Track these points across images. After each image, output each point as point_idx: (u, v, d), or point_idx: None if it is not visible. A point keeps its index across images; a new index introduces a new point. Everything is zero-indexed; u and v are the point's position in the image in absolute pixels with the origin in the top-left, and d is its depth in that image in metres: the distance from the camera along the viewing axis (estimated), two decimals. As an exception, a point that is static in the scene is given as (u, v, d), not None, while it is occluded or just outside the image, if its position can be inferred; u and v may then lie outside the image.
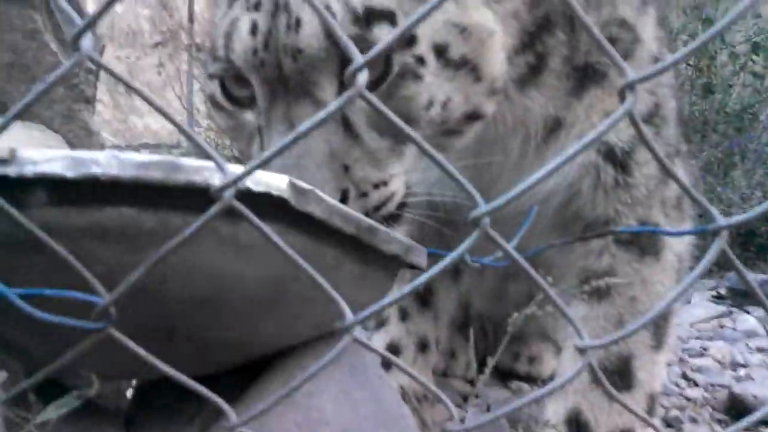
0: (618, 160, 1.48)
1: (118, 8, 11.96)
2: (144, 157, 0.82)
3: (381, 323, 1.89)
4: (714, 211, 0.81)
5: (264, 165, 0.74)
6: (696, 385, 2.48)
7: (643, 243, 1.51)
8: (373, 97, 0.70)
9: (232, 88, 1.27)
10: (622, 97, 0.72)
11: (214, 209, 0.76)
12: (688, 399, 2.35)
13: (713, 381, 2.48)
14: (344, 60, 1.10)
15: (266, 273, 0.94)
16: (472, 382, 2.22)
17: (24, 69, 6.85)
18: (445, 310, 1.94)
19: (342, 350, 0.85)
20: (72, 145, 1.74)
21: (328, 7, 1.13)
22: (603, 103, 1.47)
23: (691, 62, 4.49)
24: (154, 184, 0.82)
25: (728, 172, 4.12)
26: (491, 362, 1.30)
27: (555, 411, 1.51)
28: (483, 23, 1.26)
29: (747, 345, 2.91)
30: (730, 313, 3.41)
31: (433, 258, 1.24)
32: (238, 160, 1.61)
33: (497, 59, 1.30)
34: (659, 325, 1.53)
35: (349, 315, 0.82)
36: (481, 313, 2.22)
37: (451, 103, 1.26)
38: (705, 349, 2.84)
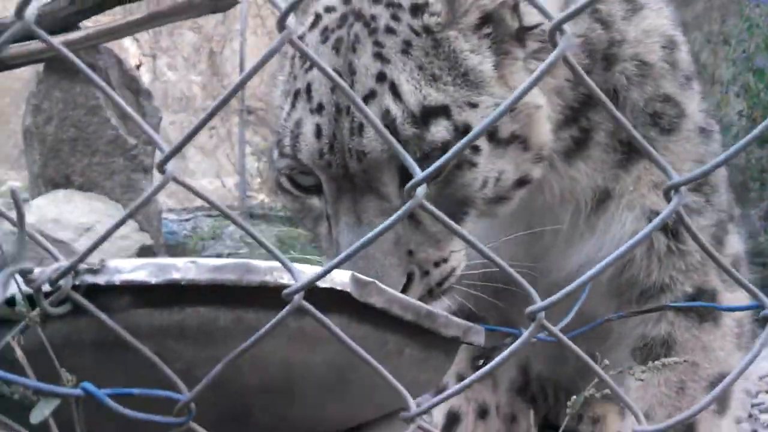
0: (669, 228, 1.51)
1: (171, 76, 12.51)
2: (219, 261, 0.89)
3: (440, 390, 1.91)
4: (762, 297, 0.83)
5: (338, 265, 0.81)
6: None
7: (701, 309, 1.52)
8: (430, 206, 0.76)
9: (299, 178, 1.36)
10: (667, 198, 0.76)
11: (286, 310, 0.83)
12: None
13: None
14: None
15: (332, 360, 0.99)
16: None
17: (86, 143, 7.16)
18: (504, 375, 1.95)
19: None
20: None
21: (387, 111, 1.22)
22: (651, 175, 1.51)
23: (744, 113, 4.48)
24: (229, 285, 0.88)
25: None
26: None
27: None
28: (530, 100, 1.32)
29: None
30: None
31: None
32: (290, 220, 1.67)
33: (544, 129, 1.37)
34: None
35: (412, 405, 0.87)
36: (541, 375, 2.22)
37: (504, 175, 1.33)
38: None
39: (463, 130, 1.25)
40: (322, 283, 0.92)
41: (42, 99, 5.94)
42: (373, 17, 1.32)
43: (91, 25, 5.86)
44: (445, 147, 1.22)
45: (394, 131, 1.21)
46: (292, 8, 0.69)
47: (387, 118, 1.22)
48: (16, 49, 5.15)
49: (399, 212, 0.73)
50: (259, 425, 1.07)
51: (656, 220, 0.78)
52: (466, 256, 1.37)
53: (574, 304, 1.59)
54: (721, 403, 1.53)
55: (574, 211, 1.56)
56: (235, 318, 0.90)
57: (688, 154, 1.53)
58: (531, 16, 1.38)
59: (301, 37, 1.40)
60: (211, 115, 0.73)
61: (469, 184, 1.28)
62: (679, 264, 1.52)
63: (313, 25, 1.39)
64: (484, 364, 1.75)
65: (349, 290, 0.94)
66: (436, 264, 1.31)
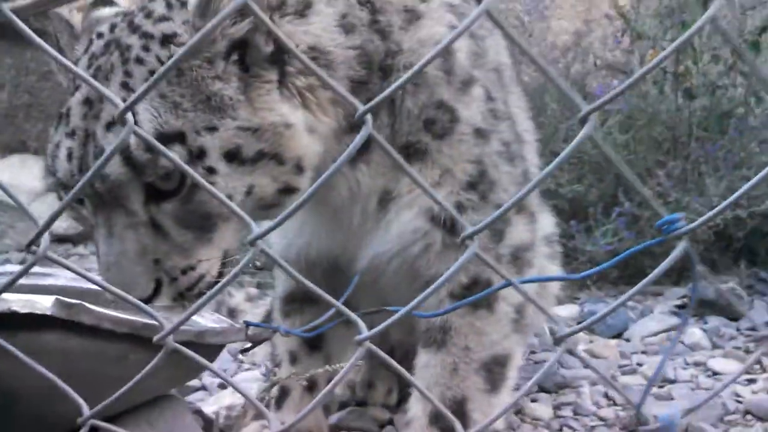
0: (445, 224, 1.64)
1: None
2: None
3: (277, 365, 2.09)
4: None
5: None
6: (615, 404, 2.59)
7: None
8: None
9: (65, 192, 1.48)
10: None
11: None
12: (602, 419, 2.48)
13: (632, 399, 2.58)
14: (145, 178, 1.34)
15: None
16: (391, 408, 2.41)
17: (41, 109, 7.32)
18: (340, 351, 2.10)
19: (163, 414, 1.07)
20: None
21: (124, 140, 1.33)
22: (425, 178, 1.63)
23: (670, 69, 4.49)
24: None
25: (700, 181, 4.13)
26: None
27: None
28: (276, 120, 1.44)
29: (685, 360, 2.99)
30: (687, 325, 3.47)
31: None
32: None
33: (299, 144, 1.48)
34: (492, 371, 1.69)
35: (85, 409, 1.04)
36: (402, 342, 2.39)
37: (256, 188, 1.45)
38: (640, 365, 2.95)
39: (197, 153, 1.36)
40: (22, 309, 1.09)
41: (-13, 63, 6.00)
42: (128, 47, 1.43)
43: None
44: (182, 172, 1.35)
45: (129, 157, 1.34)
46: None
47: (123, 144, 1.34)
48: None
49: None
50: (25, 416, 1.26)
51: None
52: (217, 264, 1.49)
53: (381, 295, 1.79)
54: (492, 383, 1.68)
55: (362, 209, 1.70)
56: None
57: (463, 155, 1.64)
58: (293, 42, 1.49)
59: (77, 60, 1.52)
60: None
61: (207, 201, 1.38)
62: (456, 257, 1.66)
63: (86, 50, 1.52)
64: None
65: (49, 313, 1.10)
66: (183, 271, 1.44)
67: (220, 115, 1.39)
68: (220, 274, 1.49)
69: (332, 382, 1.04)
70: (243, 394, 1.09)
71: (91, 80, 1.01)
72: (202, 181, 1.03)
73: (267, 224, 1.03)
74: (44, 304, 1.10)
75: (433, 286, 1.04)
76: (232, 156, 1.40)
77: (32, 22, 5.98)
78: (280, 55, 1.48)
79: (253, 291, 3.31)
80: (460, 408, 1.66)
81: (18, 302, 1.05)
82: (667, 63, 4.59)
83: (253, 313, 3.02)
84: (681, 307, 3.76)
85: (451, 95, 1.64)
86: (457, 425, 1.15)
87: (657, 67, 4.75)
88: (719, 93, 4.60)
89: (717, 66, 4.66)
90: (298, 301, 2.05)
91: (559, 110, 4.86)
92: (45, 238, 0.92)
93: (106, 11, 1.64)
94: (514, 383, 1.79)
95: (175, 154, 1.33)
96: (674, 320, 3.46)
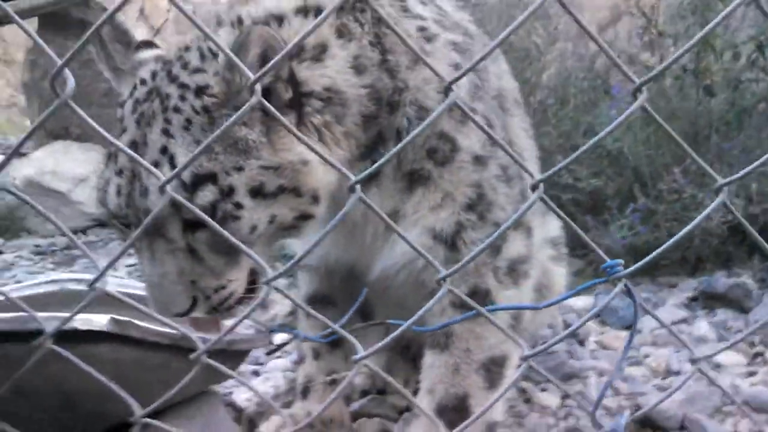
0: (446, 242, 1.83)
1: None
2: (7, 315, 1.28)
3: (301, 360, 2.32)
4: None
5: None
6: (618, 394, 2.76)
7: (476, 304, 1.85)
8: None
9: (115, 220, 1.70)
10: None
11: (40, 352, 1.22)
12: (606, 408, 2.65)
13: (634, 390, 2.75)
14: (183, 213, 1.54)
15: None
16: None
17: (82, 96, 7.67)
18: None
19: (200, 409, 1.30)
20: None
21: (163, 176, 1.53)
22: (428, 200, 1.82)
23: (688, 68, 4.56)
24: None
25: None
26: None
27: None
28: (294, 159, 1.62)
29: (692, 352, 3.13)
30: (695, 317, 3.61)
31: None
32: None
33: (315, 178, 1.65)
34: (491, 371, 1.88)
35: (137, 410, 1.26)
36: (411, 340, 2.60)
37: (278, 217, 1.63)
38: (647, 356, 3.11)
39: (227, 191, 1.55)
40: (83, 327, 1.31)
41: (38, 54, 6.29)
42: (168, 96, 1.61)
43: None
44: (213, 205, 1.54)
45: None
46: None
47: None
48: (8, 7, 5.49)
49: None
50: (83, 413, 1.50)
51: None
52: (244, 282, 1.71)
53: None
54: (491, 381, 1.87)
55: (374, 228, 1.89)
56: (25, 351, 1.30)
57: (463, 180, 1.82)
58: (310, 85, 1.69)
59: (122, 102, 1.73)
60: None
61: (235, 231, 1.55)
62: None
63: (130, 95, 1.71)
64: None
65: (106, 329, 1.33)
66: (216, 290, 1.64)
67: (245, 157, 1.57)
68: (251, 291, 1.70)
69: (334, 392, 1.24)
70: (259, 395, 1.31)
71: (136, 156, 1.22)
72: (220, 229, 1.23)
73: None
74: (100, 321, 1.33)
75: (417, 315, 1.23)
76: (257, 192, 1.58)
77: (74, 13, 6.25)
78: (298, 99, 1.67)
79: (283, 282, 3.55)
80: (462, 403, 1.86)
81: (79, 320, 1.27)
82: (687, 60, 4.67)
83: (282, 304, 3.26)
84: (693, 299, 3.89)
85: (451, 127, 1.81)
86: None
87: (677, 62, 4.85)
88: (741, 88, 4.64)
89: (738, 62, 4.69)
90: (319, 302, 2.27)
91: (581, 104, 4.97)
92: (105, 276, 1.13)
93: (148, 54, 1.84)
94: (511, 380, 1.99)
95: (209, 193, 1.54)
96: (684, 313, 3.59)
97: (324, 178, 1.68)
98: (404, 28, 1.84)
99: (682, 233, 1.18)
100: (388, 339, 1.30)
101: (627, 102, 4.52)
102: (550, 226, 2.77)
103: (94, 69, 6.26)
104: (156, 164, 1.56)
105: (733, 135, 4.49)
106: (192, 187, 1.54)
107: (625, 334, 3.37)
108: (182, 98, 1.61)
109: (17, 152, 1.16)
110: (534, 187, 1.21)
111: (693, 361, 1.25)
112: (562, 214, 1.26)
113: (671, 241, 1.19)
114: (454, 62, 1.84)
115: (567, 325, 3.43)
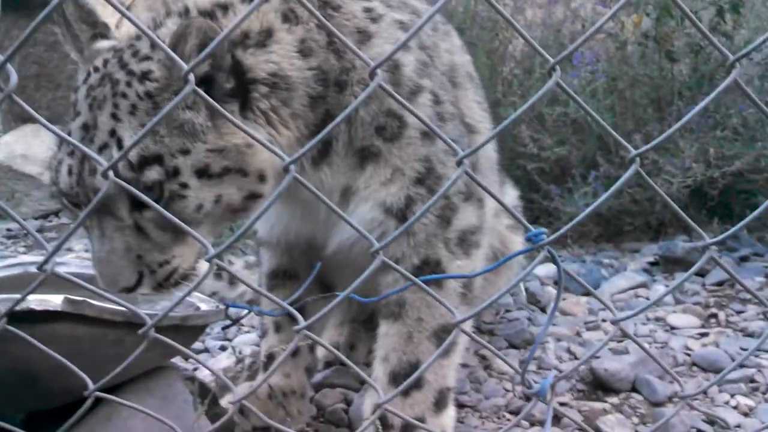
0: (397, 215, 1.90)
1: None
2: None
3: (264, 333, 2.39)
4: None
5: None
6: (576, 358, 2.87)
7: (426, 275, 1.92)
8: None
9: (66, 199, 1.75)
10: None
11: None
12: (562, 372, 2.75)
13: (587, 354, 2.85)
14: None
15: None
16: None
17: (49, 78, 7.59)
18: (343, 314, 2.38)
19: (158, 382, 1.37)
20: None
21: (111, 158, 1.58)
22: (379, 176, 1.89)
23: (650, 35, 4.61)
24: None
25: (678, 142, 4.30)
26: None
27: (366, 405, 2.00)
28: (239, 142, 1.67)
29: (647, 315, 3.25)
30: (654, 282, 3.72)
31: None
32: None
33: (260, 159, 1.71)
34: (443, 338, 1.94)
35: (88, 384, 1.32)
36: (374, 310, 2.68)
37: (224, 197, 1.69)
38: (604, 321, 3.21)
39: (172, 172, 1.61)
40: (39, 307, 1.37)
41: (2, 37, 6.23)
42: (117, 81, 1.67)
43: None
44: (159, 184, 1.60)
45: (117, 174, 1.59)
46: None
47: (112, 165, 1.60)
48: (-27, -10, 5.43)
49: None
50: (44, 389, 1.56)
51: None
52: (196, 255, 1.75)
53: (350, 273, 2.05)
54: (444, 349, 1.96)
55: None
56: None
57: (411, 155, 1.88)
58: (255, 72, 1.74)
59: (77, 88, 1.78)
60: None
61: (181, 210, 1.62)
62: (408, 241, 1.92)
63: (84, 80, 1.76)
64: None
65: (60, 309, 1.38)
66: (161, 265, 1.70)
67: (192, 140, 1.64)
68: (195, 268, 1.76)
69: (274, 364, 1.31)
70: (213, 372, 1.37)
71: (77, 143, 1.26)
72: (163, 210, 1.29)
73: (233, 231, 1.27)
74: (56, 301, 1.39)
75: (352, 285, 1.30)
76: (202, 173, 1.65)
77: (38, -5, 6.18)
78: (244, 86, 1.72)
79: (252, 259, 3.61)
80: (414, 370, 1.92)
81: (35, 301, 1.33)
82: (650, 27, 4.74)
83: (251, 279, 3.32)
84: (653, 264, 4.01)
85: (398, 104, 1.87)
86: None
87: (636, 30, 4.90)
88: (703, 53, 4.72)
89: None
90: (280, 276, 2.34)
91: (546, 73, 5.02)
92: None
93: (104, 44, 1.88)
94: (464, 347, 2.07)
95: (155, 173, 1.60)
96: (643, 277, 3.70)
97: (269, 159, 1.73)
98: (350, 10, 1.89)
99: (598, 202, 1.24)
100: (325, 309, 1.37)
101: (588, 71, 4.58)
102: (507, 197, 2.85)
103: (61, 51, 6.21)
104: (105, 145, 1.62)
105: (695, 100, 4.57)
106: (139, 168, 1.60)
107: (585, 299, 3.47)
108: (128, 84, 1.66)
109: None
110: (458, 163, 1.27)
111: (614, 323, 1.33)
112: (491, 192, 1.33)
113: (588, 210, 1.25)
114: (400, 40, 1.89)
115: (530, 293, 3.52)
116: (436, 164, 1.92)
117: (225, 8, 1.81)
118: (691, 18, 1.25)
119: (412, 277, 1.41)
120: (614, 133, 1.25)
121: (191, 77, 1.18)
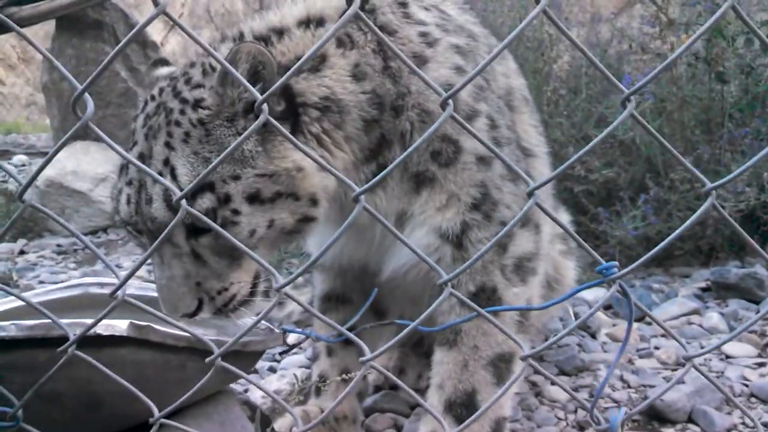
0: (453, 241, 1.88)
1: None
2: (32, 322, 1.35)
3: (316, 357, 2.39)
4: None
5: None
6: (629, 386, 2.81)
7: (482, 303, 1.89)
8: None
9: (129, 227, 1.78)
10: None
11: (64, 359, 1.29)
12: (615, 400, 2.70)
13: (644, 382, 2.79)
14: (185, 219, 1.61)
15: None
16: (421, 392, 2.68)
17: (100, 97, 7.75)
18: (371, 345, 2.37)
19: (217, 407, 1.37)
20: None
21: (166, 189, 1.58)
22: (434, 201, 1.87)
23: (699, 56, 4.54)
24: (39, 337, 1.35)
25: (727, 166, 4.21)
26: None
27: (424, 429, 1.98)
28: (289, 166, 1.68)
29: (701, 343, 3.17)
30: (707, 308, 3.62)
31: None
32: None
33: (311, 183, 1.72)
34: (499, 367, 1.92)
35: (155, 411, 1.33)
36: (425, 334, 2.66)
37: (277, 221, 1.70)
38: (657, 348, 3.14)
39: (224, 199, 1.62)
40: (105, 332, 1.38)
41: (56, 56, 6.41)
42: (171, 110, 1.69)
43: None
44: (213, 211, 1.61)
45: (170, 203, 1.61)
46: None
47: (166, 194, 1.61)
48: (28, 10, 5.61)
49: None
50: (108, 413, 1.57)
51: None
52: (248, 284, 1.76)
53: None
54: (499, 377, 1.92)
55: (382, 229, 1.95)
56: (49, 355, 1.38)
57: (467, 181, 1.86)
58: (306, 96, 1.75)
59: (135, 117, 1.81)
60: None
61: (234, 236, 1.59)
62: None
63: (142, 109, 1.80)
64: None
65: (126, 334, 1.40)
66: (219, 292, 1.72)
67: (241, 166, 1.65)
68: (253, 293, 1.77)
69: (343, 393, 1.31)
70: (271, 396, 1.37)
71: (142, 166, 1.26)
72: (224, 231, 1.28)
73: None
74: (121, 326, 1.40)
75: (422, 317, 1.28)
76: (253, 198, 1.66)
77: (90, 15, 6.34)
78: (294, 109, 1.74)
79: (299, 280, 3.62)
80: (470, 399, 1.90)
81: (101, 326, 1.34)
82: (699, 47, 4.66)
83: (303, 299, 3.33)
84: (705, 290, 3.91)
85: (454, 129, 1.85)
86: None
87: (687, 51, 4.84)
88: (754, 74, 4.62)
89: (751, 48, 4.67)
90: (333, 300, 2.34)
91: (594, 95, 4.98)
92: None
93: (162, 71, 1.92)
94: (522, 378, 2.04)
95: (207, 200, 1.62)
96: (695, 304, 3.61)
97: (321, 183, 1.74)
98: (405, 34, 1.89)
99: (673, 235, 1.21)
100: (393, 341, 1.35)
101: (639, 92, 4.52)
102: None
103: (111, 69, 6.36)
104: (160, 175, 1.63)
105: (746, 122, 4.48)
106: (191, 196, 1.61)
107: (636, 326, 3.40)
108: (182, 112, 1.69)
109: (48, 161, 1.23)
110: (529, 195, 1.26)
111: (686, 359, 1.29)
112: (558, 220, 1.31)
113: (661, 244, 1.23)
114: (457, 65, 1.89)
115: (578, 318, 3.47)
116: (492, 189, 1.90)
117: (280, 33, 1.83)
118: (763, 40, 1.21)
119: (478, 308, 1.39)
120: (687, 163, 1.22)
121: (265, 107, 1.18)
